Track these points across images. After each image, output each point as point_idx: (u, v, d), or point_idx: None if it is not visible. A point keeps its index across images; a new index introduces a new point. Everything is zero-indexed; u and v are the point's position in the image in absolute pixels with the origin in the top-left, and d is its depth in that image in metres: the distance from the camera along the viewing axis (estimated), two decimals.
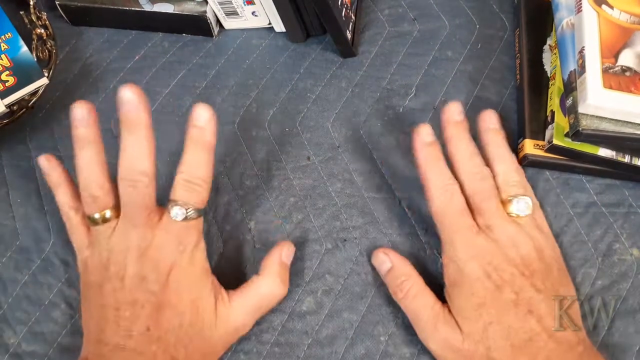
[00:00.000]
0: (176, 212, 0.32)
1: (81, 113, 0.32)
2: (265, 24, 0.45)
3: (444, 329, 0.33)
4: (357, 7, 0.46)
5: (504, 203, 0.34)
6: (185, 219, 0.32)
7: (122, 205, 0.32)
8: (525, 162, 0.39)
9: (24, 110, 0.40)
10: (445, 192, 0.34)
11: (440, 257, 0.37)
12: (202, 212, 0.33)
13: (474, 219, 0.34)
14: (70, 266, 0.39)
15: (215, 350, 0.34)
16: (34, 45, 0.42)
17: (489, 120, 0.37)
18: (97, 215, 0.32)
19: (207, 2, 0.43)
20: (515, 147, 0.41)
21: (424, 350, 0.36)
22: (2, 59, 0.40)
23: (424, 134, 0.35)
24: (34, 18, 0.42)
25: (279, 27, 0.45)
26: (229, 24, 0.46)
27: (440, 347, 0.33)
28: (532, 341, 0.31)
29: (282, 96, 0.44)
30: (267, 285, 0.35)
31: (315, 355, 0.36)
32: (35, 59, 0.41)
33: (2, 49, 0.40)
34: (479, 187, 0.34)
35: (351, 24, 0.44)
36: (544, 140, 0.39)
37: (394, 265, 0.35)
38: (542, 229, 0.35)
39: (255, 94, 0.44)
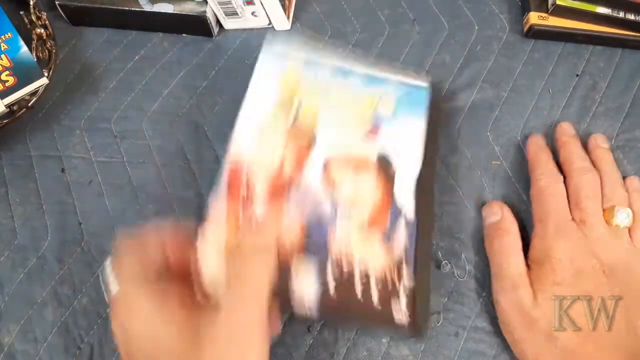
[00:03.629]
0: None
1: None
2: (265, 24, 0.45)
3: (521, 291, 0.34)
4: None
5: (605, 210, 0.35)
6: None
7: None
8: (531, 33, 0.44)
9: (23, 110, 0.40)
10: (549, 176, 0.37)
11: (450, 264, 0.37)
12: None
13: (571, 212, 0.36)
14: (64, 263, 0.38)
15: None
16: (34, 45, 0.42)
17: (601, 140, 0.39)
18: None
19: (207, 2, 0.43)
20: (520, 24, 0.45)
21: (425, 351, 0.36)
22: (2, 59, 0.40)
23: (537, 137, 0.40)
24: (33, 18, 0.42)
25: (279, 26, 0.45)
26: (228, 24, 0.46)
27: (509, 305, 0.34)
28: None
29: None
30: None
31: (317, 355, 0.36)
32: (35, 59, 0.41)
33: (2, 49, 0.40)
34: (586, 183, 0.36)
35: None
36: (547, 12, 0.44)
37: (502, 218, 0.37)
38: (638, 248, 0.35)
39: None
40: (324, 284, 0.32)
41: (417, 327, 0.32)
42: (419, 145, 0.36)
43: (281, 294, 0.31)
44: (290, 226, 0.33)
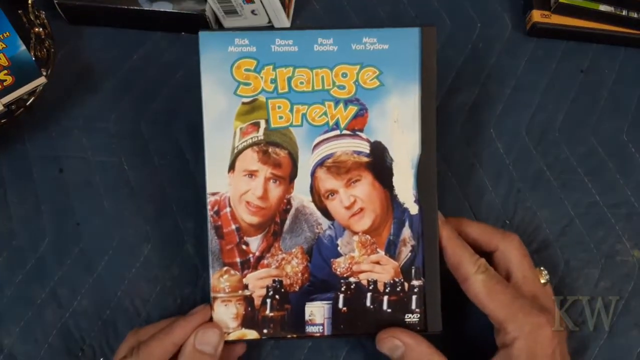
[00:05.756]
0: None
1: None
2: (264, 23, 0.45)
3: None
4: None
5: None
6: None
7: None
8: (534, 31, 0.44)
9: (22, 109, 0.40)
10: None
11: None
12: None
13: None
14: (63, 264, 0.38)
15: None
16: (32, 45, 0.42)
17: None
18: None
19: (206, 1, 0.43)
20: (523, 23, 0.45)
21: None
22: (0, 58, 0.39)
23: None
24: (32, 17, 0.42)
25: (279, 24, 0.45)
26: (228, 22, 0.45)
27: None
28: None
29: None
30: None
31: (316, 359, 0.36)
32: (34, 58, 0.40)
33: (0, 48, 0.40)
34: None
35: None
36: (549, 10, 0.44)
37: (407, 348, 0.31)
38: None
39: None
40: (333, 301, 0.32)
41: (428, 324, 0.32)
42: (414, 123, 0.33)
43: (297, 329, 0.32)
44: (290, 253, 0.33)
